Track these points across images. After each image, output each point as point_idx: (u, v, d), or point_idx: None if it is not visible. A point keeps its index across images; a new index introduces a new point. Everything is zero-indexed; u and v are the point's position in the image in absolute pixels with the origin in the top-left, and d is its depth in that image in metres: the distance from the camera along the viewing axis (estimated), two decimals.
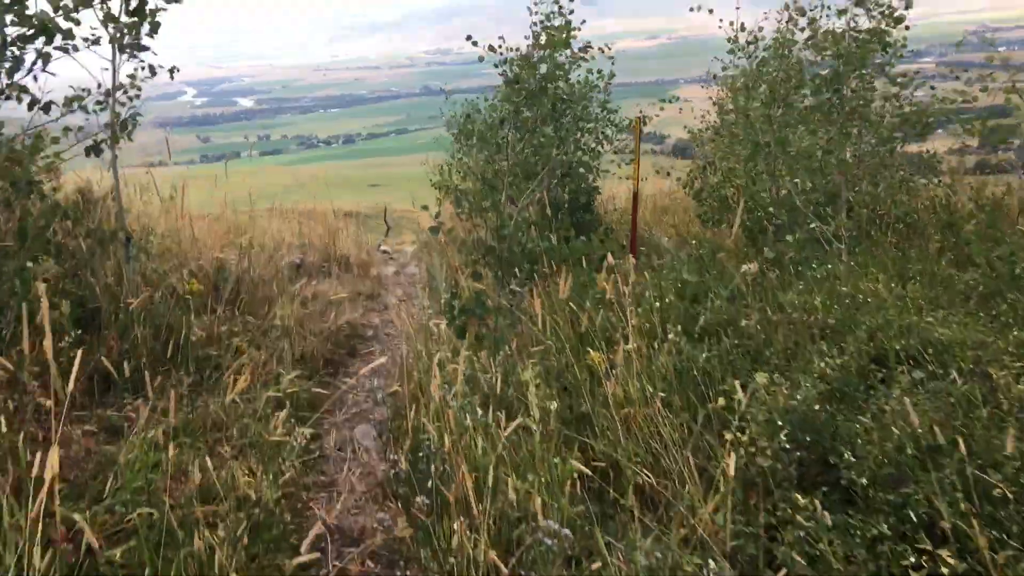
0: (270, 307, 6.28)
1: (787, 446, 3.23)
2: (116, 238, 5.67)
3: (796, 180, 7.08)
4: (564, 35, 7.43)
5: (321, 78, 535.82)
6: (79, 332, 4.60)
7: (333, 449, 4.62)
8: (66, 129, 5.55)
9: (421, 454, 3.60)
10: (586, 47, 8.01)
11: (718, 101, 11.34)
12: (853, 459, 3.18)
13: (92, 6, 5.15)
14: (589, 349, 4.33)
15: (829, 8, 6.50)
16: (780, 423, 3.31)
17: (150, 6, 5.41)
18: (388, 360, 5.79)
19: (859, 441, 3.26)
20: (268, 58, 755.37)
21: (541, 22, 7.63)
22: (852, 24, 6.37)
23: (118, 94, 5.61)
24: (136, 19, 5.37)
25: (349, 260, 8.21)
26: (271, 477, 3.59)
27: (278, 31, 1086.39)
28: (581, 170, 8.57)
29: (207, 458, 3.46)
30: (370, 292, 7.82)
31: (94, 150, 5.62)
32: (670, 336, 4.36)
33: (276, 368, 5.17)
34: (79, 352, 3.10)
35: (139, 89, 5.72)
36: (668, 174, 11.30)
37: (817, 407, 3.48)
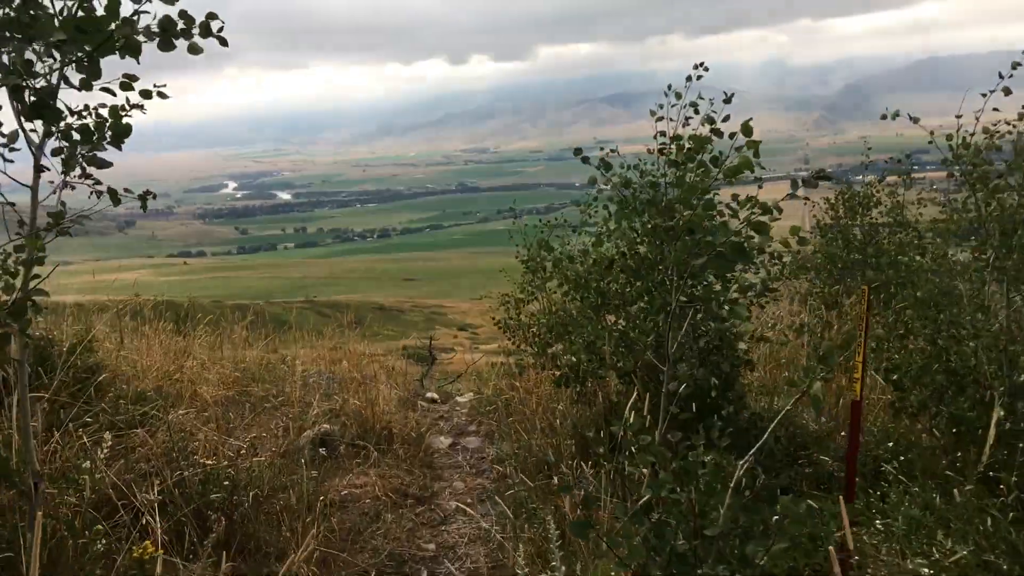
0: (281, 540, 4.39)
1: None
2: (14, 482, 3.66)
3: None
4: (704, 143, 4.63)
5: (360, 174, 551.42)
6: None
7: None
8: None
9: None
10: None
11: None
12: None
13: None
14: None
15: None
16: None
17: (117, 101, 3.28)
18: None
19: None
20: (310, 153, 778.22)
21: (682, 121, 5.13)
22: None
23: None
24: (99, 119, 3.29)
25: (391, 431, 5.87)
26: None
27: (323, 129, 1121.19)
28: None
29: None
30: (420, 488, 5.56)
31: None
32: None
33: None
34: None
35: (82, 223, 3.56)
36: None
37: None
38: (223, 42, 3.22)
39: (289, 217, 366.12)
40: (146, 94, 3.31)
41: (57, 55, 3.01)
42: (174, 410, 5.20)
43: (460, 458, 6.18)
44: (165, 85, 3.38)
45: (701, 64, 5.06)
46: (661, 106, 5.30)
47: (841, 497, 3.39)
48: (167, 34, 3.07)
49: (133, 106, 3.36)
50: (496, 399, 6.82)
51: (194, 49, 3.13)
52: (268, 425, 5.68)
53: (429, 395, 8.22)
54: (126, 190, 3.81)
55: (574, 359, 5.48)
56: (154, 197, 3.87)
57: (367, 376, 7.41)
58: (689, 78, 4.91)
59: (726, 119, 4.55)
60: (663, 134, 5.19)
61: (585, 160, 5.18)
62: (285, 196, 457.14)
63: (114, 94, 3.24)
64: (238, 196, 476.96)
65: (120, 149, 3.42)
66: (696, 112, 4.93)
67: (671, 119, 5.15)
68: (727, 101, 4.76)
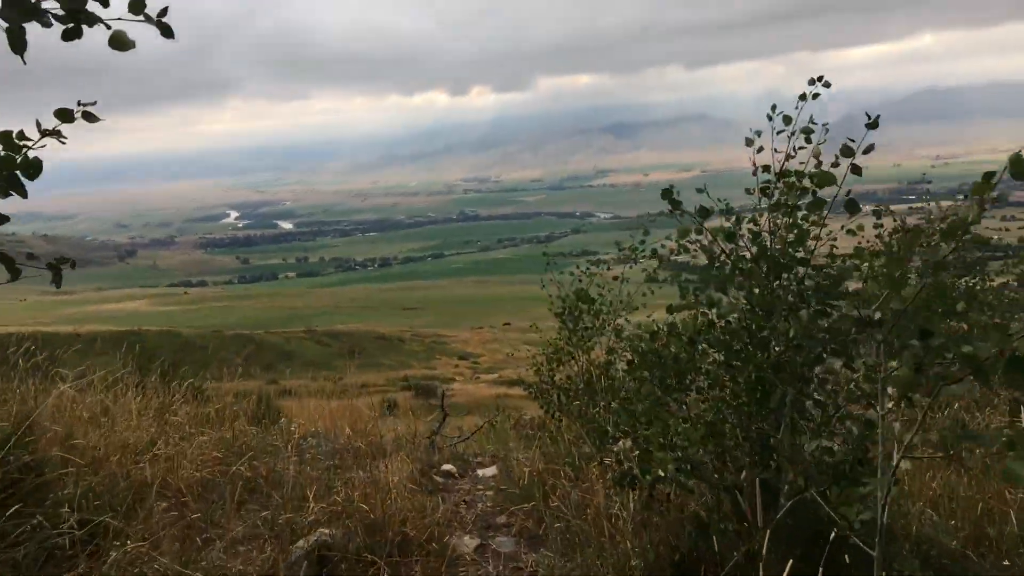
0: None
1: None
2: None
3: None
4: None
5: (361, 203, 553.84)
6: None
7: None
8: None
9: None
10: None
11: None
12: None
13: None
14: None
15: None
16: None
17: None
18: None
19: None
20: (311, 183, 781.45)
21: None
22: None
23: None
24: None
25: (405, 535, 4.63)
26: None
27: (325, 159, 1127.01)
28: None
29: None
30: None
31: None
32: None
33: None
34: None
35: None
36: None
37: None
38: (165, 31, 2.36)
39: (290, 246, 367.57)
40: (64, 115, 2.37)
41: None
42: (130, 521, 3.98)
43: (491, 568, 4.74)
44: (95, 103, 2.42)
45: (820, 79, 4.04)
46: (759, 132, 4.22)
47: None
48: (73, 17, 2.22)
49: (45, 133, 2.37)
50: (531, 487, 5.48)
51: (119, 42, 2.31)
52: (253, 523, 4.55)
53: (445, 467, 7.00)
54: (30, 255, 2.54)
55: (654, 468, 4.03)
56: (72, 266, 2.58)
57: (373, 445, 6.48)
58: (804, 96, 3.98)
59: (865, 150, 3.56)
60: (766, 168, 4.15)
61: (676, 205, 3.89)
62: (287, 225, 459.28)
63: None
64: (240, 225, 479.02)
65: (24, 195, 2.42)
66: (808, 141, 4.08)
67: (771, 148, 4.08)
68: (871, 126, 3.72)
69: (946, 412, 6.16)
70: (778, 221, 3.88)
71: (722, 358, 3.85)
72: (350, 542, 4.45)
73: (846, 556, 3.11)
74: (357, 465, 5.81)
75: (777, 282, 3.59)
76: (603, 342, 7.03)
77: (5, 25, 2.18)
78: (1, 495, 3.76)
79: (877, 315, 2.77)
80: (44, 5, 2.26)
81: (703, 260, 4.04)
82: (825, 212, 3.62)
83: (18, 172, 2.37)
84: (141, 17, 2.43)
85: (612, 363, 6.37)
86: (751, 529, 3.55)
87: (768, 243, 3.81)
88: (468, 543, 5.08)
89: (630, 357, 4.66)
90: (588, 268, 8.07)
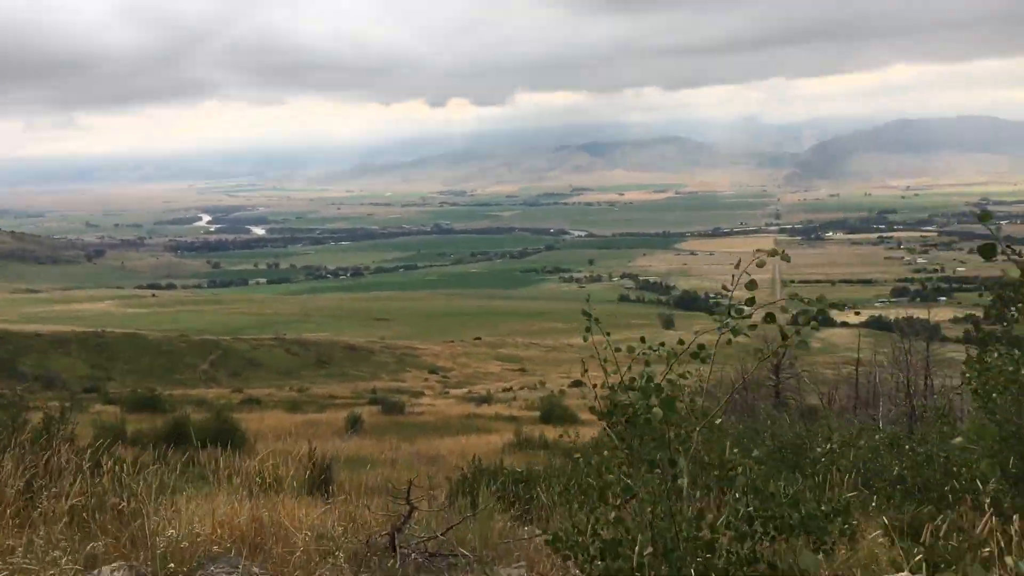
0: None
1: None
2: None
3: None
4: None
5: (335, 211, 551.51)
6: None
7: None
8: None
9: None
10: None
11: None
12: None
13: None
14: None
15: None
16: None
17: None
18: None
19: None
20: (286, 189, 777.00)
21: None
22: None
23: None
24: None
25: None
26: None
27: (299, 165, 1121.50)
28: None
29: None
30: None
31: None
32: None
33: None
34: None
35: None
36: None
37: None
38: None
39: (262, 252, 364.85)
40: None
41: None
42: None
43: None
44: None
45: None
46: None
47: None
48: None
49: None
50: None
51: None
52: None
53: None
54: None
55: None
56: None
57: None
58: None
59: None
60: None
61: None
62: (259, 231, 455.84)
63: None
64: (211, 229, 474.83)
65: None
66: None
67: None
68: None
69: None
70: None
71: None
72: None
73: None
74: None
75: None
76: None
77: None
78: None
79: None
80: None
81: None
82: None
83: None
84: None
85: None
86: None
87: None
88: None
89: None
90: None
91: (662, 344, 3.72)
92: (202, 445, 16.25)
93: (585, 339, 3.55)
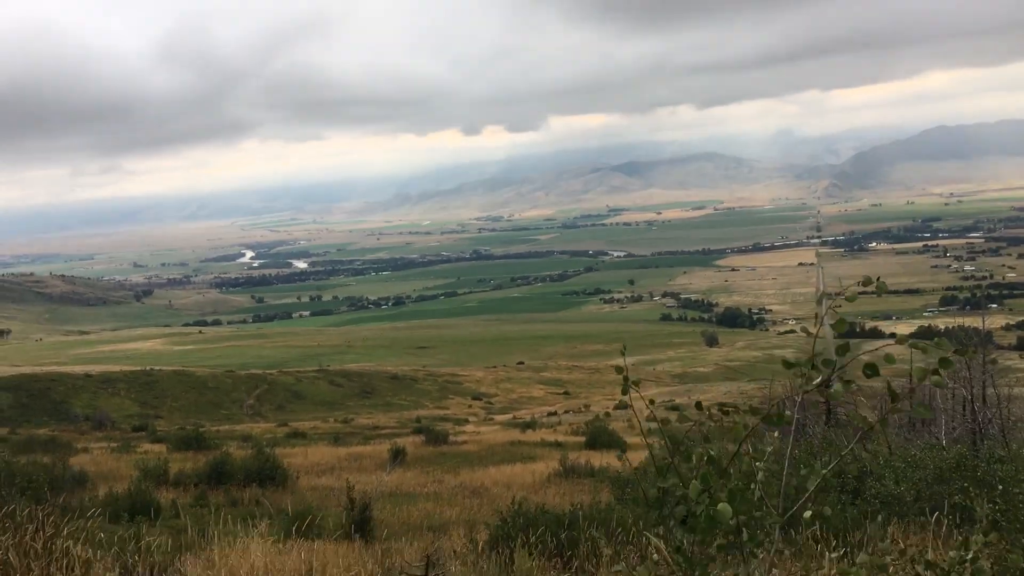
0: None
1: None
2: None
3: None
4: None
5: (375, 242, 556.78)
6: None
7: None
8: None
9: None
10: None
11: None
12: None
13: None
14: None
15: None
16: None
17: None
18: None
19: None
20: (325, 223, 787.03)
21: None
22: None
23: None
24: None
25: None
26: None
27: (338, 198, 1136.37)
28: None
29: None
30: None
31: None
32: None
33: None
34: None
35: None
36: None
37: None
38: None
39: (304, 285, 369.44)
40: None
41: None
42: None
43: None
44: None
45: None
46: None
47: None
48: None
49: None
50: None
51: None
52: None
53: None
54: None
55: None
56: None
57: None
58: None
59: None
60: None
61: None
62: (301, 264, 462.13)
63: None
64: (255, 265, 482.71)
65: None
66: None
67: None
68: None
69: None
70: None
71: None
72: None
73: None
74: None
75: None
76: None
77: None
78: None
79: None
80: None
81: None
82: None
83: None
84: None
85: None
86: None
87: None
88: None
89: None
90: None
91: (727, 410, 2.54)
92: (244, 483, 16.16)
93: (625, 392, 2.57)
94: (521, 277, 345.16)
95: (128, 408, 63.88)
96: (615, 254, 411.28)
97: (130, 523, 10.02)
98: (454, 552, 5.68)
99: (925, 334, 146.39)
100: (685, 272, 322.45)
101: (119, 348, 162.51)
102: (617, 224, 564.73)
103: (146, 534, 8.70)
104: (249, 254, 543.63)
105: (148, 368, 79.03)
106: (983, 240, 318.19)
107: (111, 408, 59.95)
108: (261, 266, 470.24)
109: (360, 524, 8.40)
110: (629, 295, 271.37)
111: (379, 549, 6.60)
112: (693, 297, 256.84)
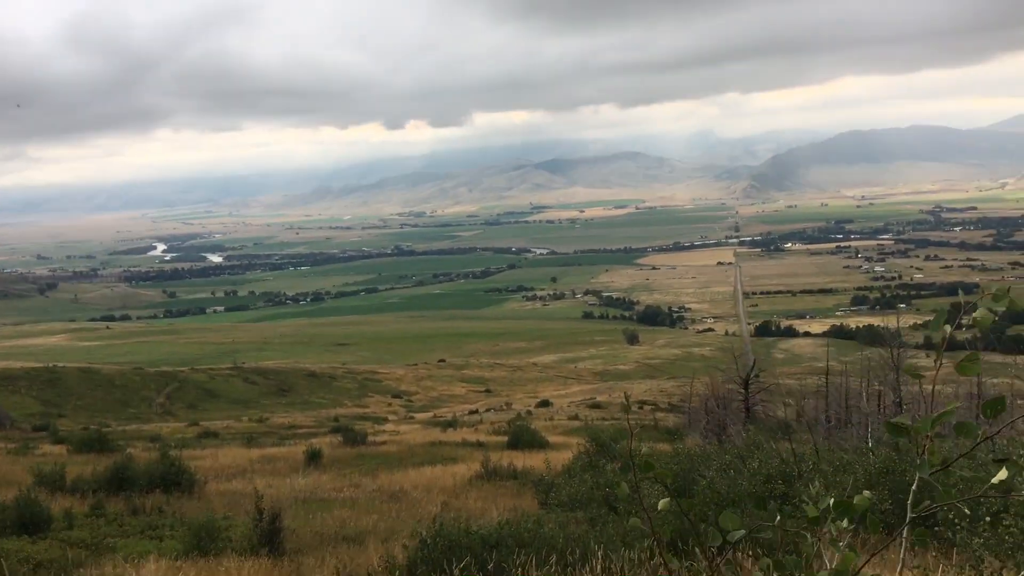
0: None
1: None
2: None
3: None
4: None
5: (294, 236, 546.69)
6: None
7: None
8: None
9: None
10: None
11: None
12: None
13: None
14: None
15: None
16: None
17: None
18: None
19: None
20: (242, 216, 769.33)
21: None
22: None
23: None
24: None
25: None
26: None
27: (256, 191, 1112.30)
28: None
29: None
30: None
31: None
32: None
33: None
34: None
35: None
36: None
37: None
38: None
39: (219, 280, 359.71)
40: None
41: None
42: None
43: None
44: None
45: None
46: None
47: None
48: None
49: None
50: None
51: None
52: None
53: None
54: None
55: None
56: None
57: None
58: None
59: None
60: None
61: None
62: (216, 259, 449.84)
63: None
64: (167, 258, 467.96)
65: None
66: None
67: None
68: None
69: None
70: None
71: None
72: None
73: None
74: None
75: None
76: None
77: None
78: None
79: None
80: None
81: None
82: None
83: None
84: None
85: None
86: None
87: None
88: None
89: None
90: None
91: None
92: (148, 489, 15.31)
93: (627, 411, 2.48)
94: (443, 274, 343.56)
95: (30, 407, 60.86)
96: (538, 251, 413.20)
97: (18, 536, 9.28)
98: (368, 575, 5.27)
99: (837, 332, 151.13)
100: (607, 270, 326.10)
101: (20, 344, 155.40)
102: (540, 222, 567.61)
103: (32, 552, 8.05)
104: (161, 247, 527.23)
105: (51, 364, 75.55)
106: (893, 242, 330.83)
107: (11, 407, 57.01)
108: (173, 260, 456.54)
109: (270, 536, 7.87)
110: (551, 293, 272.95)
111: (288, 567, 6.11)
112: (615, 295, 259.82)
